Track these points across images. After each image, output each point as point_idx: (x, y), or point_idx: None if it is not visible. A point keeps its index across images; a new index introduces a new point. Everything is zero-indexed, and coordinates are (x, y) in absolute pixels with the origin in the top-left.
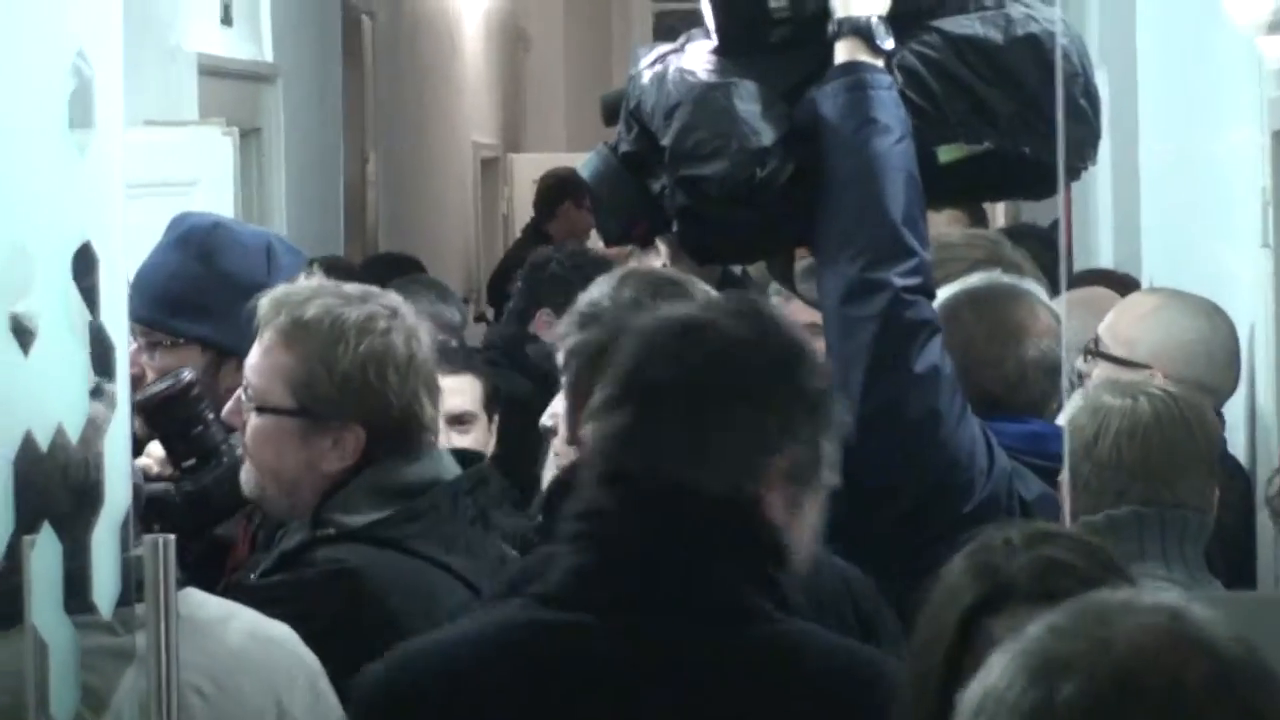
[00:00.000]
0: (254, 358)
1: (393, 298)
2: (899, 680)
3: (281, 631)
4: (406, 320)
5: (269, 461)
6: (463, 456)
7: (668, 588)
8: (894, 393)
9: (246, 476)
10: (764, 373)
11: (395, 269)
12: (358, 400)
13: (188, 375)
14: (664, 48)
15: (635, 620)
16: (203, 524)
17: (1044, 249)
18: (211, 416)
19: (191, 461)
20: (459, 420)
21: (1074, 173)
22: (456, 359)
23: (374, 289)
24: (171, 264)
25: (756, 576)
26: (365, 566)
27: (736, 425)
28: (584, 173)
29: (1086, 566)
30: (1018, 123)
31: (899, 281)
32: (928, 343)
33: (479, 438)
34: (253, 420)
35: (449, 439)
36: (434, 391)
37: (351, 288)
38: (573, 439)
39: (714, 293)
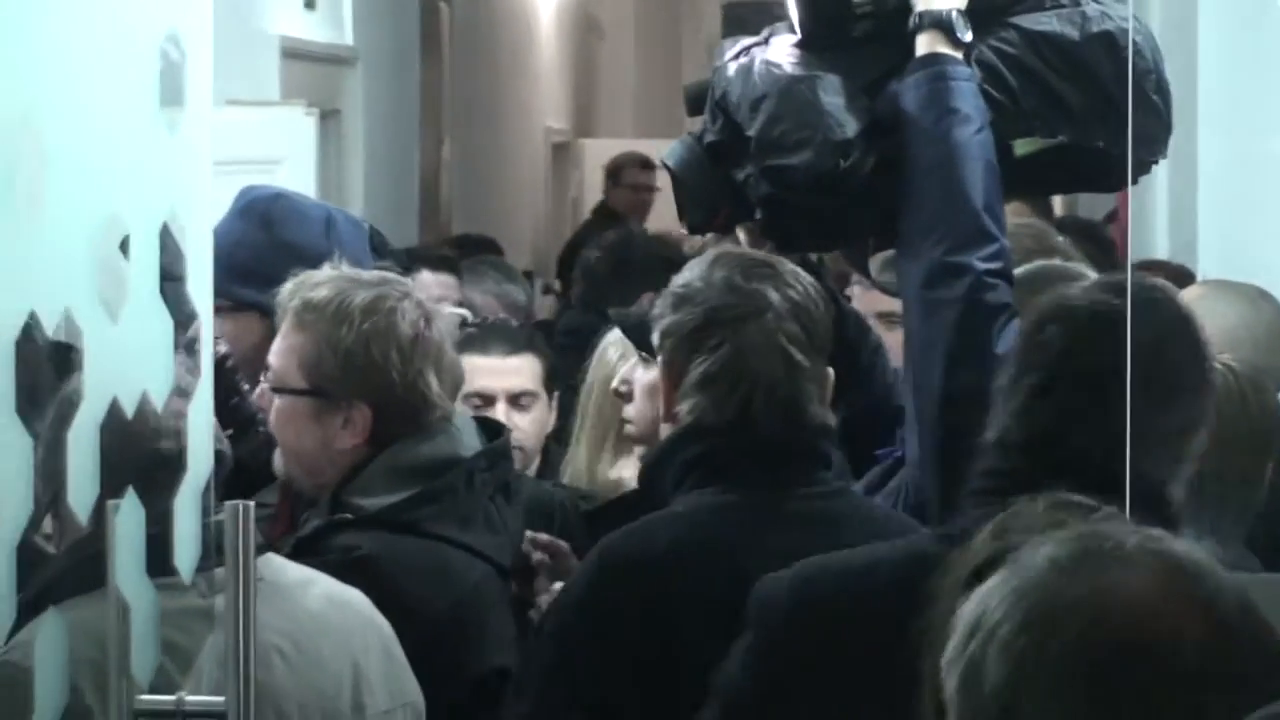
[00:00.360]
0: (275, 341)
1: (406, 284)
2: None
3: (357, 597)
4: (417, 302)
5: (290, 442)
6: (486, 429)
7: None
8: (976, 373)
9: (276, 458)
10: (1192, 357)
11: (473, 250)
12: (361, 378)
13: (221, 348)
14: (747, 40)
15: None
16: (237, 494)
17: (1086, 240)
18: (247, 388)
19: (229, 433)
20: (517, 399)
21: (1144, 166)
22: (516, 338)
23: (391, 275)
24: (235, 232)
25: None
26: (380, 552)
27: (1172, 410)
28: (669, 161)
29: None
30: (1092, 117)
31: (981, 265)
32: (1007, 325)
33: (539, 416)
34: (275, 403)
35: (509, 418)
36: (444, 371)
37: (369, 274)
38: (668, 416)
39: (803, 272)
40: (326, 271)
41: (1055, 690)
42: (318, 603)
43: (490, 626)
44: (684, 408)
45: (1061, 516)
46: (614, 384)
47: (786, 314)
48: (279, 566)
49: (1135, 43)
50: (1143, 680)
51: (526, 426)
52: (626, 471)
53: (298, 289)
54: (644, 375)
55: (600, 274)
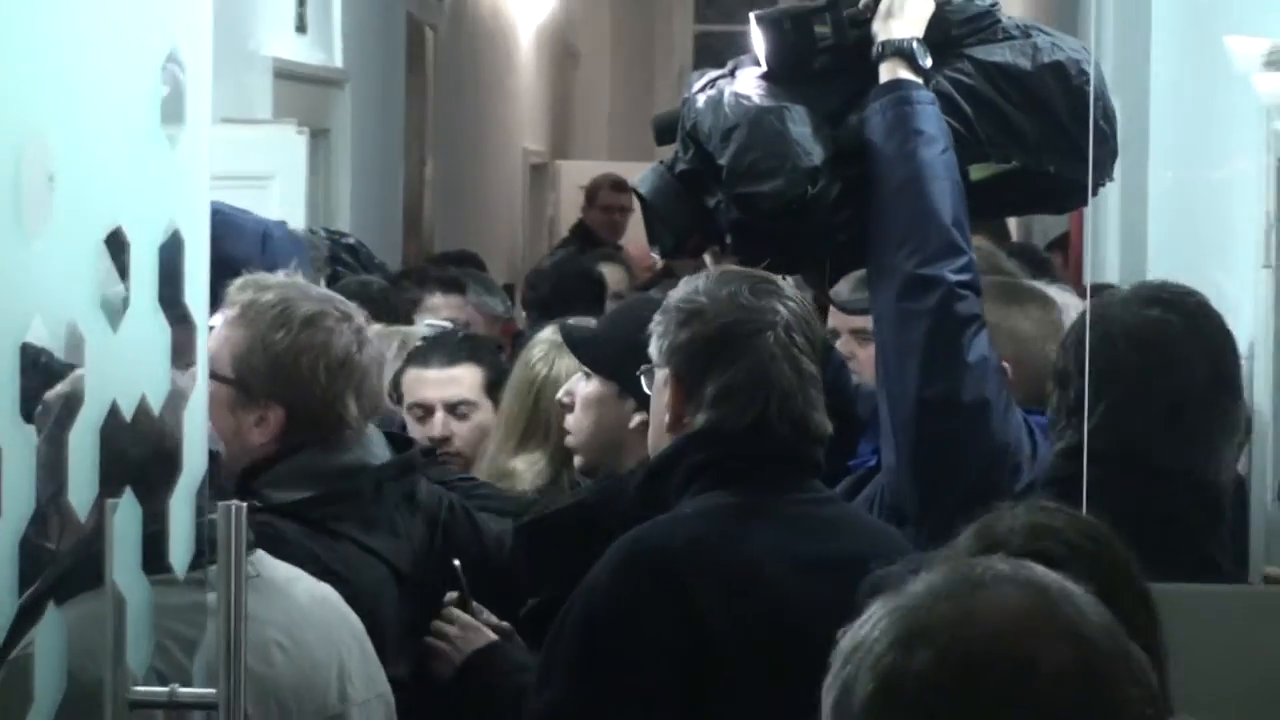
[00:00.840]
0: (216, 325)
1: (353, 308)
2: None
3: (332, 594)
4: (356, 326)
5: (215, 424)
6: (395, 443)
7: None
8: (950, 381)
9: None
10: (1233, 364)
11: (457, 264)
12: (284, 383)
13: None
14: (713, 73)
15: None
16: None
17: (1025, 262)
18: None
19: None
20: (455, 407)
21: (1094, 188)
22: (456, 351)
23: (338, 296)
24: None
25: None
26: (291, 538)
27: (1221, 415)
28: (641, 189)
29: (1074, 534)
30: (1044, 143)
31: (952, 277)
32: (977, 335)
33: (478, 422)
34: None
35: (447, 425)
36: (364, 395)
37: (319, 290)
38: (675, 425)
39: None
40: (280, 277)
41: (917, 702)
42: (305, 598)
43: (385, 628)
44: (700, 416)
45: (1042, 520)
46: (559, 395)
47: (794, 326)
48: (270, 564)
49: (1088, 73)
50: (1002, 695)
51: (465, 433)
52: (520, 465)
53: (247, 285)
54: (585, 388)
55: (541, 291)
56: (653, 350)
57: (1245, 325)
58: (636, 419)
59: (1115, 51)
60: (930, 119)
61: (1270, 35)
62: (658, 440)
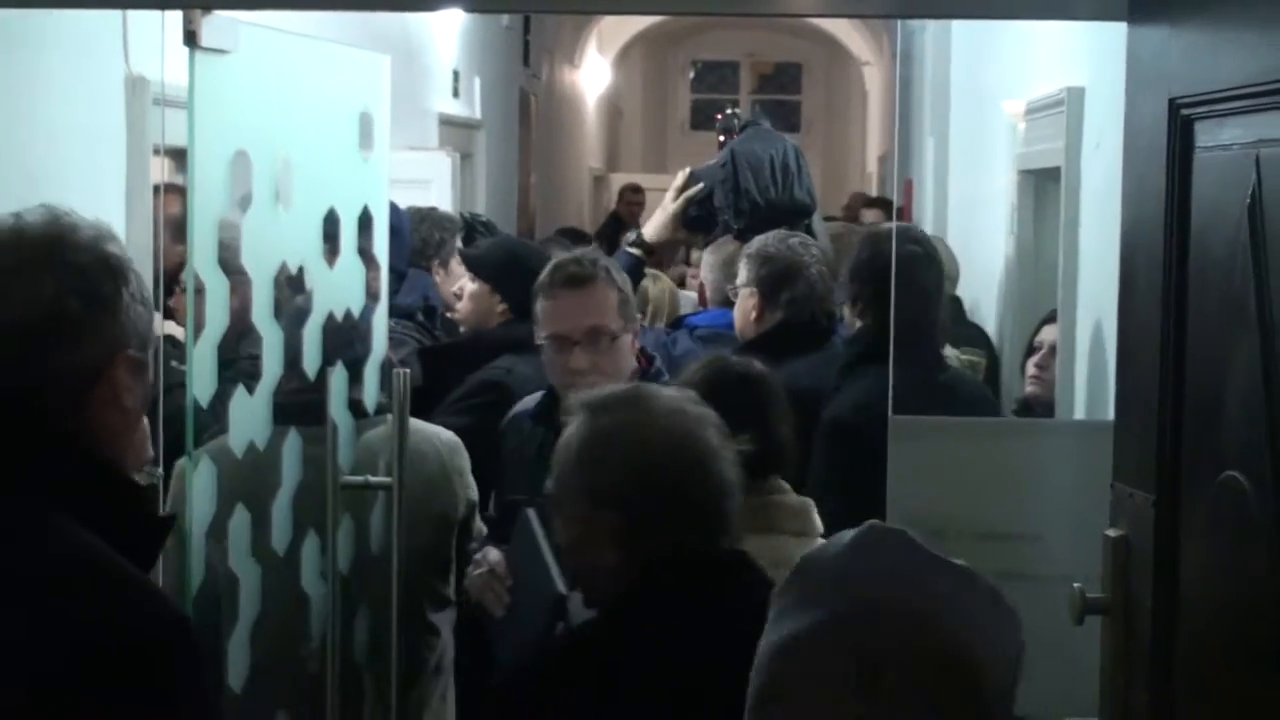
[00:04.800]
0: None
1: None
2: None
3: (455, 439)
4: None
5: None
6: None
7: None
8: None
9: None
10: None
11: (571, 237)
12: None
13: None
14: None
15: None
16: None
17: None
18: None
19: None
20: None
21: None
22: None
23: None
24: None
25: None
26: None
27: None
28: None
29: (735, 370)
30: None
31: None
32: None
33: None
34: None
35: None
36: None
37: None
38: (759, 321)
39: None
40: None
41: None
42: (444, 435)
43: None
44: (770, 316)
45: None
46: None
47: (821, 262)
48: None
49: (794, 151)
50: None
51: None
52: None
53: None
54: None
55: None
56: (740, 278)
57: (996, 270)
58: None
59: (931, 95)
60: None
61: (1023, 97)
62: (744, 327)
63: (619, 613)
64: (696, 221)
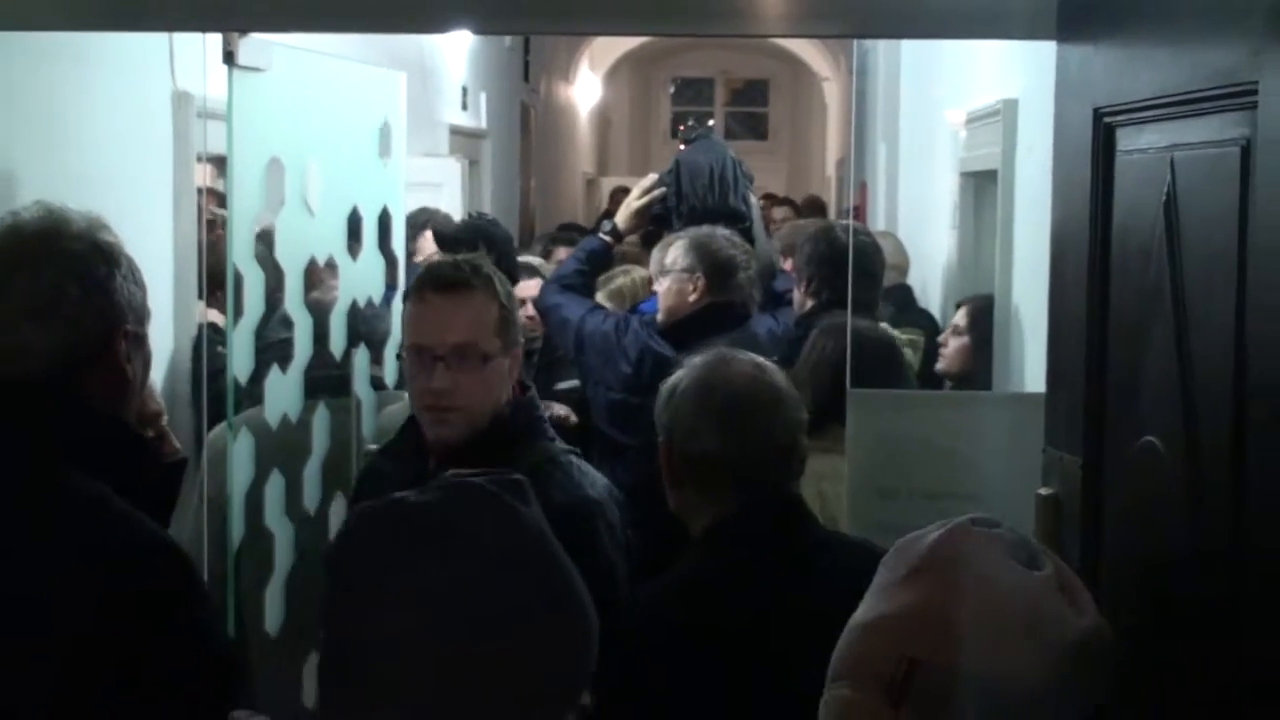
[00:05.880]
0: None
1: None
2: None
3: None
4: None
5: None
6: None
7: None
8: None
9: None
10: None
11: (571, 230)
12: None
13: None
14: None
15: None
16: None
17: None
18: None
19: None
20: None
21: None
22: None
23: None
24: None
25: None
26: None
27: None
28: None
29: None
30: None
31: None
32: None
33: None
34: None
35: None
36: None
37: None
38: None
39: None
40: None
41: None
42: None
43: None
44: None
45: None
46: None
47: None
48: None
49: (733, 160)
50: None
51: None
52: None
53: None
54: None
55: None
56: (680, 264)
57: (942, 261)
58: None
59: (884, 103)
60: None
61: (964, 107)
62: (677, 306)
63: (720, 543)
64: (659, 219)
